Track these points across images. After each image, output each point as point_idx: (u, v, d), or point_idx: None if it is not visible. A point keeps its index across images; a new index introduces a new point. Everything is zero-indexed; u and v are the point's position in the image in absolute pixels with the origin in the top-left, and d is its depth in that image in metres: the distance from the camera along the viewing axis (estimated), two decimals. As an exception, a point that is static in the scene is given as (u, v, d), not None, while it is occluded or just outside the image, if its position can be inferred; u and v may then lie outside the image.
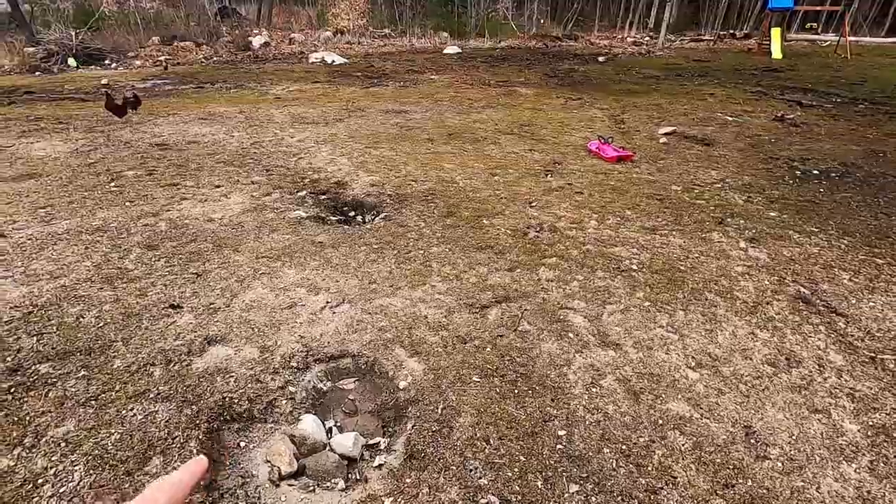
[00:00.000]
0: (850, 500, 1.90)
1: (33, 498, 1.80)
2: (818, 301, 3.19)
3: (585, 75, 11.67)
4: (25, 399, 2.22)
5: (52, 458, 1.95)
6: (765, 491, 1.91)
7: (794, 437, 2.16)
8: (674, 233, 4.07)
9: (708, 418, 2.25)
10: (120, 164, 5.24)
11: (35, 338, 2.60)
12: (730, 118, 7.68)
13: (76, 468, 1.91)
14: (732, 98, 9.09)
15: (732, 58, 14.76)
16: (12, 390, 2.26)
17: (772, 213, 4.47)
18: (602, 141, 6.06)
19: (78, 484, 1.85)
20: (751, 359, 2.65)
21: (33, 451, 1.98)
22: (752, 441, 2.14)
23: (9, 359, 2.45)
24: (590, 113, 8.02)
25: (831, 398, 2.39)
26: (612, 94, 9.54)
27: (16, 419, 2.12)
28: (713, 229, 4.14)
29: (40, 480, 1.86)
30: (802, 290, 3.30)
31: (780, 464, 2.03)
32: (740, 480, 1.96)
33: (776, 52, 14.64)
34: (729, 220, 4.33)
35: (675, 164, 5.69)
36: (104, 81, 9.92)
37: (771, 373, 2.55)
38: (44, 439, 2.03)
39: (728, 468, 2.01)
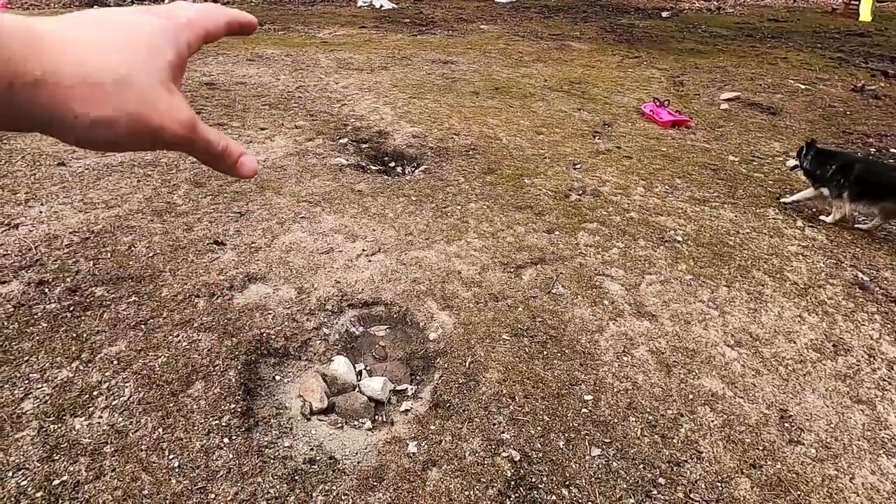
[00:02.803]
0: (886, 494, 1.83)
1: (89, 408, 1.96)
2: (877, 289, 2.99)
3: (646, 31, 10.92)
4: (82, 318, 2.38)
5: (106, 374, 2.10)
6: (794, 475, 1.87)
7: (832, 426, 2.08)
8: (725, 206, 3.87)
9: (742, 398, 2.19)
10: (170, 101, 5.34)
11: (91, 262, 2.76)
12: (802, 86, 7.08)
13: (127, 385, 2.06)
14: (807, 64, 8.34)
15: (813, 18, 13.43)
16: (71, 308, 2.43)
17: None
18: (657, 104, 5.72)
19: (128, 399, 2.00)
20: (795, 342, 2.54)
21: (89, 365, 2.13)
22: (787, 425, 2.08)
23: (68, 279, 2.62)
24: (647, 73, 7.55)
25: (878, 390, 2.28)
26: (674, 53, 8.91)
27: (74, 335, 2.28)
28: (769, 205, 3.91)
29: (95, 392, 2.02)
30: (861, 275, 3.10)
31: (813, 450, 1.98)
32: (769, 462, 1.92)
33: (865, 14, 13.20)
34: (788, 196, 4.06)
35: (734, 133, 5.34)
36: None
37: (815, 358, 2.44)
38: (98, 356, 2.18)
39: (757, 449, 1.97)
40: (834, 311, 2.78)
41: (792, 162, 3.84)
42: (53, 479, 1.71)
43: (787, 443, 2.00)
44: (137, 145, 0.34)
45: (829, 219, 3.68)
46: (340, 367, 2.27)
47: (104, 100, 0.32)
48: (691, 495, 1.79)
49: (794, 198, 3.86)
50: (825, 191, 3.60)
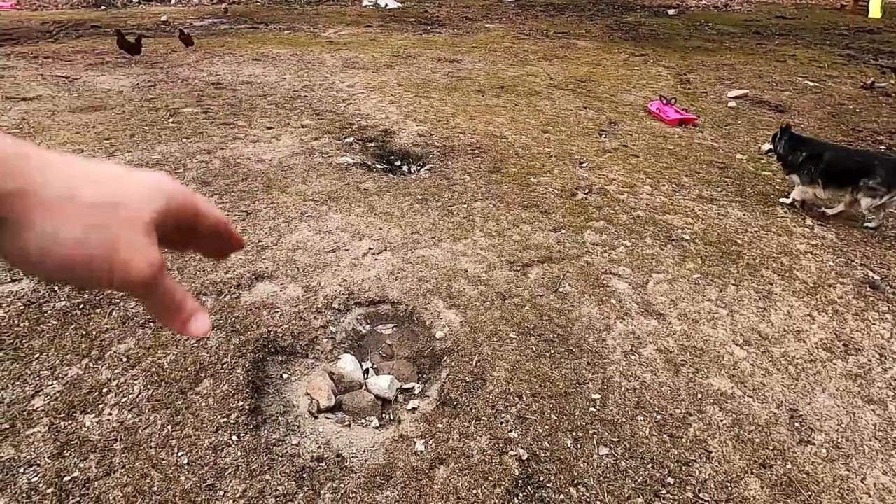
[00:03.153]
0: (898, 494, 1.82)
1: (98, 405, 1.97)
2: (888, 288, 2.96)
3: (652, 29, 10.86)
4: (92, 316, 2.40)
5: (115, 371, 2.11)
6: (804, 475, 1.86)
7: (842, 426, 2.06)
8: (733, 204, 3.84)
9: (751, 397, 2.18)
10: (178, 100, 5.37)
11: (100, 261, 2.78)
12: (810, 83, 7.02)
13: (136, 382, 2.07)
14: (816, 61, 8.26)
15: (822, 15, 13.31)
16: (81, 307, 2.45)
17: (846, 191, 4.12)
18: (664, 102, 5.68)
19: (138, 396, 2.01)
20: (804, 341, 2.52)
21: (99, 363, 2.15)
22: (797, 425, 2.06)
23: (77, 278, 2.63)
24: (653, 71, 7.51)
25: (890, 390, 2.26)
26: (680, 51, 8.86)
27: (84, 333, 2.30)
28: (778, 203, 3.87)
29: (105, 390, 2.03)
30: (872, 274, 3.07)
31: (823, 450, 1.96)
32: (779, 462, 1.90)
33: (874, 11, 13.05)
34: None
35: (742, 131, 5.30)
36: (164, 18, 10.05)
37: (825, 358, 2.42)
38: (108, 353, 2.20)
39: (767, 449, 1.95)
40: (844, 310, 2.76)
41: (767, 146, 3.89)
42: (64, 476, 1.72)
43: (797, 443, 1.99)
44: (86, 278, 0.32)
45: (789, 199, 3.82)
46: (347, 365, 2.28)
47: (78, 219, 0.31)
48: (700, 495, 1.78)
49: (795, 195, 3.83)
50: (795, 178, 3.71)
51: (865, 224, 3.62)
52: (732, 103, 6.12)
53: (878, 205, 3.44)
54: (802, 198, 3.72)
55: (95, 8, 11.57)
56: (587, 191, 3.91)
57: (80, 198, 0.31)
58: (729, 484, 1.82)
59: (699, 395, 2.18)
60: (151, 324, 2.38)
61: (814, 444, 1.98)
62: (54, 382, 2.04)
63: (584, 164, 4.38)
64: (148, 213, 0.34)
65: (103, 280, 0.32)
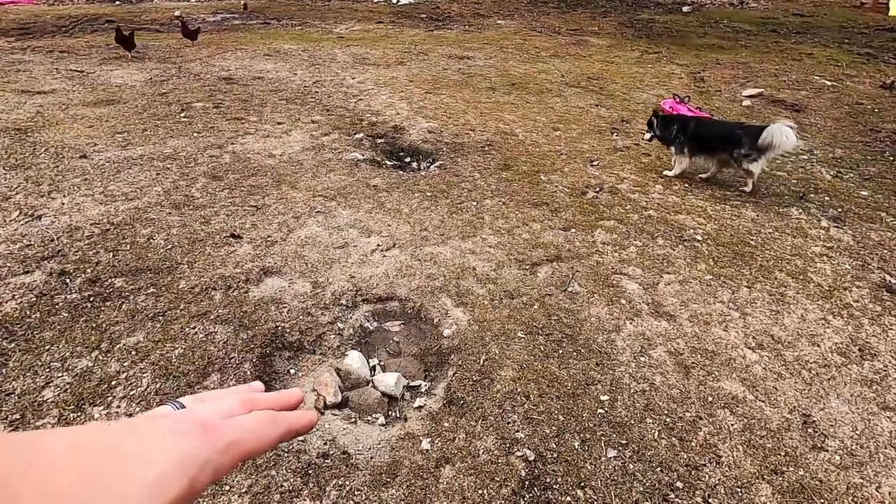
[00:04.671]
0: (913, 503, 1.77)
1: (107, 397, 1.99)
2: (906, 292, 2.90)
3: (666, 26, 10.73)
4: (102, 309, 2.42)
5: (124, 364, 2.13)
6: (817, 482, 1.82)
7: (857, 432, 2.02)
8: (747, 204, 3.78)
9: (763, 401, 2.14)
10: (189, 95, 5.39)
11: (111, 254, 2.80)
12: (828, 82, 6.89)
13: (145, 375, 2.08)
14: (834, 60, 8.11)
15: (840, 13, 13.06)
16: (91, 299, 2.46)
17: (863, 192, 4.04)
18: (677, 100, 5.60)
19: (146, 389, 2.02)
20: (818, 346, 2.47)
21: (108, 355, 2.16)
22: (810, 431, 2.02)
23: (88, 270, 2.66)
24: (667, 69, 7.42)
25: (906, 396, 2.21)
26: (695, 48, 8.74)
27: (94, 325, 2.31)
28: (792, 204, 3.81)
29: (114, 382, 2.05)
30: (889, 278, 3.00)
31: (837, 457, 1.92)
32: (791, 468, 1.87)
33: (895, 9, 12.79)
34: (812, 195, 3.96)
35: (757, 131, 5.21)
36: (177, 13, 10.11)
37: (840, 362, 2.37)
38: (117, 346, 2.21)
39: (779, 454, 1.92)
40: (860, 314, 2.70)
41: (648, 135, 4.19)
42: (73, 467, 1.73)
43: (810, 449, 1.95)
44: None
45: (671, 172, 4.14)
46: (354, 361, 2.27)
47: None
48: (710, 500, 1.75)
49: (675, 170, 4.16)
50: (673, 149, 4.08)
51: (742, 188, 3.97)
52: (747, 102, 6.02)
53: (762, 167, 3.82)
54: (682, 168, 4.08)
55: (110, 3, 11.66)
56: (598, 189, 3.87)
57: None
58: (739, 489, 1.79)
59: (710, 399, 2.14)
60: (160, 317, 2.39)
61: (827, 451, 1.94)
62: (64, 374, 2.06)
63: (595, 163, 4.34)
64: None
65: None
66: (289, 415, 0.35)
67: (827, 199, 3.91)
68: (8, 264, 2.65)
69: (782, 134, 3.53)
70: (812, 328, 2.58)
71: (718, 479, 1.82)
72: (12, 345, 2.18)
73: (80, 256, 2.76)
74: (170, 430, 0.30)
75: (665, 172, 4.18)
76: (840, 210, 3.76)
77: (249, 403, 0.36)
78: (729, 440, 1.97)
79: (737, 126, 3.96)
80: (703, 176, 4.15)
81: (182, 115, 4.84)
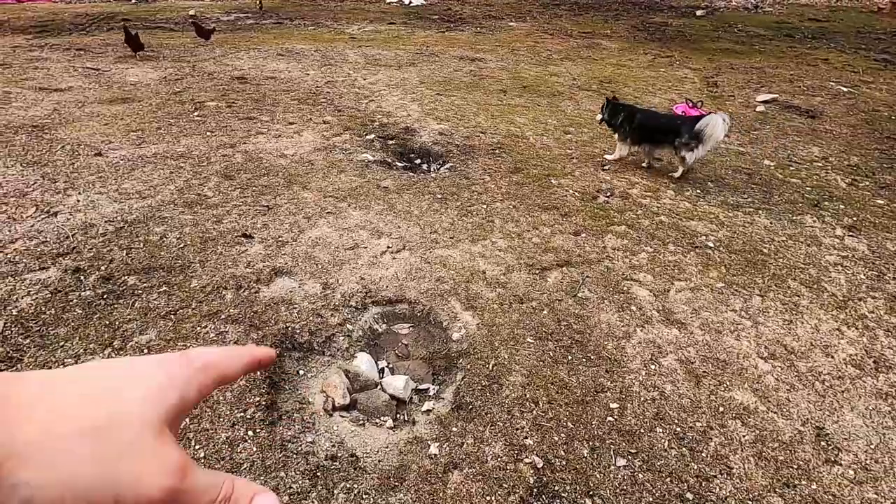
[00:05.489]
0: (929, 521, 1.74)
1: (120, 394, 2.00)
2: (922, 304, 2.85)
3: (679, 30, 10.66)
4: (115, 306, 2.44)
5: (137, 362, 2.14)
6: (830, 497, 1.80)
7: (872, 447, 1.99)
8: (760, 211, 3.74)
9: (775, 413, 2.11)
10: (203, 94, 5.44)
11: (125, 251, 2.83)
12: (844, 88, 6.80)
13: (156, 373, 2.10)
14: (850, 65, 8.01)
15: (857, 18, 12.90)
16: (105, 296, 2.49)
17: (879, 201, 3.99)
18: (690, 105, 5.56)
19: (157, 388, 2.04)
20: (832, 357, 2.43)
21: (121, 353, 2.18)
22: (823, 444, 1.99)
23: (102, 268, 2.69)
24: (679, 73, 7.37)
25: (922, 411, 2.17)
26: (708, 53, 8.67)
27: (107, 323, 2.34)
28: (806, 212, 3.76)
29: (126, 380, 2.06)
30: (905, 289, 2.96)
31: (851, 472, 1.89)
32: (803, 482, 1.84)
33: (913, 15, 12.58)
34: (826, 203, 3.91)
35: (770, 137, 5.16)
36: (191, 12, 10.20)
37: (854, 374, 2.34)
38: (130, 344, 2.23)
39: (791, 467, 1.89)
40: (875, 325, 2.66)
41: (599, 117, 4.46)
42: (85, 463, 1.75)
43: (823, 462, 1.92)
44: None
45: (611, 156, 4.43)
46: (363, 363, 2.28)
47: (62, 461, 0.27)
48: (720, 512, 1.73)
49: (617, 154, 4.42)
50: (617, 135, 4.34)
51: (671, 173, 4.24)
52: (761, 108, 5.96)
53: (699, 156, 4.06)
54: (621, 154, 4.36)
55: (126, 1, 11.80)
56: (609, 194, 3.85)
57: (66, 434, 0.27)
58: (750, 502, 1.77)
59: (721, 409, 2.12)
60: (172, 316, 2.41)
61: (841, 465, 1.92)
62: (78, 371, 2.08)
63: (607, 167, 4.32)
64: (156, 421, 0.30)
65: None
66: (251, 346, 0.40)
67: (842, 207, 3.86)
68: (24, 260, 2.69)
69: (715, 124, 3.84)
70: (826, 339, 2.55)
71: (729, 492, 1.80)
72: (27, 341, 2.21)
73: (94, 254, 2.79)
74: (157, 359, 0.34)
75: (606, 156, 4.47)
76: (855, 219, 3.70)
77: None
78: (740, 451, 1.95)
79: (677, 118, 4.33)
80: (645, 164, 4.40)
81: (195, 114, 4.88)
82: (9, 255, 2.72)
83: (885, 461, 1.94)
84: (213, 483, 0.31)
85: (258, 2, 11.45)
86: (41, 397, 0.29)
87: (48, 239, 2.88)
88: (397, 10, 11.91)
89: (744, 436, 2.01)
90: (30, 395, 0.28)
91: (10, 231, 2.92)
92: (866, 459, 1.94)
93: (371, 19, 10.53)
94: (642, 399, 2.15)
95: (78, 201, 3.27)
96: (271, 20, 10.05)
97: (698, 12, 13.01)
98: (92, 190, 3.41)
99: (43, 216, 3.09)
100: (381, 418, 2.09)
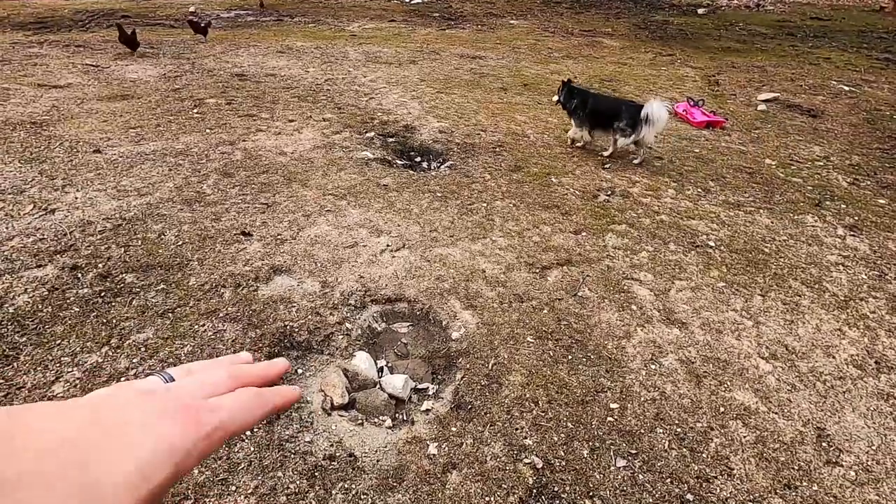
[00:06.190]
0: (931, 522, 1.73)
1: (117, 393, 1.99)
2: (924, 304, 2.84)
3: (681, 29, 10.63)
4: (112, 304, 2.43)
5: (133, 360, 2.13)
6: (831, 499, 1.78)
7: (873, 448, 1.98)
8: (761, 211, 3.72)
9: (776, 413, 2.10)
10: (202, 91, 5.42)
11: (122, 249, 2.81)
12: (845, 87, 6.78)
13: (153, 372, 2.08)
14: (852, 64, 7.98)
15: (859, 17, 12.86)
16: (102, 294, 2.48)
17: (881, 201, 3.97)
18: (691, 103, 5.55)
19: (154, 386, 2.02)
20: (834, 357, 2.42)
21: (118, 351, 2.17)
22: (824, 445, 1.98)
23: (100, 265, 2.67)
24: (681, 71, 7.34)
25: (924, 412, 2.16)
26: (709, 51, 8.65)
27: (104, 321, 2.32)
28: (808, 211, 3.75)
29: (122, 378, 2.05)
30: (907, 289, 2.94)
31: (852, 473, 1.88)
32: (804, 483, 1.83)
33: (915, 14, 12.55)
34: (828, 202, 3.89)
35: (772, 136, 5.14)
36: (191, 9, 10.17)
37: (856, 375, 2.32)
38: (127, 342, 2.22)
39: (792, 468, 1.88)
40: (877, 325, 2.65)
41: (555, 98, 4.55)
42: (81, 463, 1.74)
43: (824, 463, 1.91)
44: None
45: (569, 133, 4.59)
46: (362, 362, 2.26)
47: None
48: (720, 513, 1.72)
49: (571, 134, 4.60)
50: (573, 120, 4.46)
51: (633, 159, 4.35)
52: (762, 106, 5.94)
53: (631, 142, 4.18)
54: (574, 136, 4.53)
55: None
56: (609, 193, 3.84)
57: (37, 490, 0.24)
58: (751, 503, 1.76)
59: (721, 409, 2.11)
60: (170, 314, 2.40)
61: (842, 466, 1.91)
62: (74, 369, 2.07)
63: (607, 166, 4.30)
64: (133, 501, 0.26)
65: None
66: (273, 393, 0.36)
67: (843, 206, 3.84)
68: (21, 258, 2.68)
69: (656, 110, 3.91)
70: (827, 339, 2.53)
71: (730, 493, 1.79)
72: (24, 339, 2.20)
73: (92, 251, 2.77)
74: (159, 413, 0.30)
75: (568, 135, 4.63)
76: (857, 218, 3.69)
77: (236, 380, 0.37)
78: (741, 452, 1.93)
79: (622, 102, 4.33)
80: (606, 153, 4.45)
81: (195, 111, 4.86)
82: (6, 253, 2.70)
83: (887, 462, 1.92)
84: None
85: (260, 0, 11.40)
86: (18, 454, 0.25)
87: (46, 236, 2.86)
88: (398, 7, 11.87)
89: (745, 436, 2.00)
90: (4, 444, 0.25)
91: (7, 228, 2.90)
92: (868, 460, 1.93)
93: (372, 17, 10.49)
94: (642, 399, 2.13)
95: (76, 198, 3.25)
96: (272, 17, 10.02)
97: (700, 10, 12.97)
98: (90, 187, 3.40)
99: (40, 213, 3.07)
100: (380, 418, 2.07)
